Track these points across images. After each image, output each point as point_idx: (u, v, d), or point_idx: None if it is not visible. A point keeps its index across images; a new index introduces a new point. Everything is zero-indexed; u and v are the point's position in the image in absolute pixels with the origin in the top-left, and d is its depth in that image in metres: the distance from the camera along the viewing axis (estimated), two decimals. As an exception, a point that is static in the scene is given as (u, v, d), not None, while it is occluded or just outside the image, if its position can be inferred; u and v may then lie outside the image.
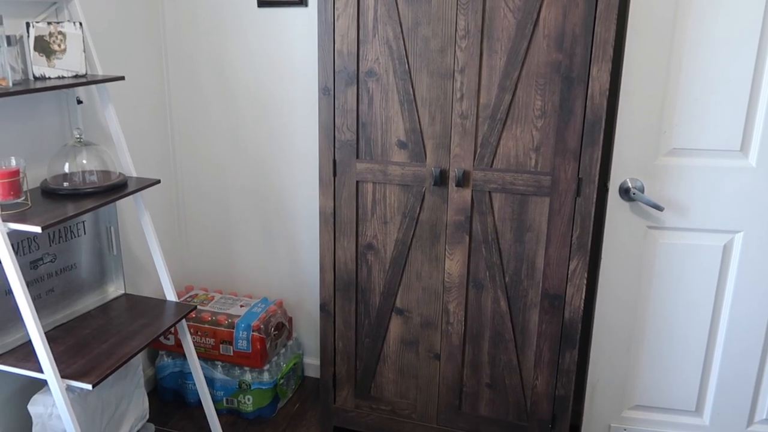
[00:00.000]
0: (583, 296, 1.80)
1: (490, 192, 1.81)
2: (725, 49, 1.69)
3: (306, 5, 2.23)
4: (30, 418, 1.78)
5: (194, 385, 2.36)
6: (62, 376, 1.61)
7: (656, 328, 1.93)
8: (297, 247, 2.51)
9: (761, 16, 1.65)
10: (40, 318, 1.78)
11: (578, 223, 1.75)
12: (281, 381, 2.40)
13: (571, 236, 1.76)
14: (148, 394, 2.49)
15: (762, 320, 1.85)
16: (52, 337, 1.80)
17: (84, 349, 1.75)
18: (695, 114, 1.75)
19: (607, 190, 1.86)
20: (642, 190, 1.82)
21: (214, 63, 2.40)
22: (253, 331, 2.26)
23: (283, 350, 2.45)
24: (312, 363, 2.64)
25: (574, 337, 1.84)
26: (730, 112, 1.73)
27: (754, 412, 1.94)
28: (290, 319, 2.52)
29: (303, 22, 2.25)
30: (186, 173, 2.57)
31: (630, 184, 1.83)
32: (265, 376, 2.33)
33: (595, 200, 1.72)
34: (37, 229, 1.53)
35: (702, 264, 1.85)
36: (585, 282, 1.79)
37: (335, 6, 1.80)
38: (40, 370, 1.60)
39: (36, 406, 1.75)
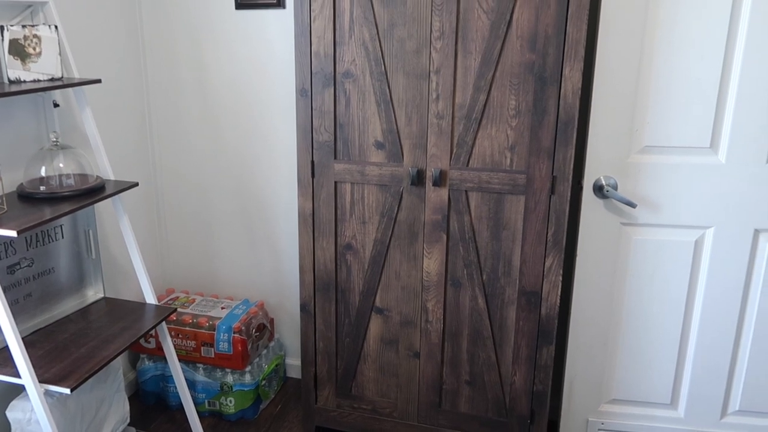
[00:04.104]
0: (559, 293, 1.82)
1: (466, 191, 1.83)
2: (694, 48, 1.72)
3: (284, 7, 2.24)
4: (8, 423, 1.77)
5: (176, 388, 2.36)
6: (40, 381, 1.60)
7: (632, 323, 1.96)
8: (278, 248, 2.52)
9: (728, 17, 1.69)
10: (17, 323, 1.78)
11: (553, 220, 1.78)
12: (263, 382, 2.40)
13: (547, 234, 1.79)
14: (130, 398, 2.48)
15: (733, 313, 1.89)
16: (30, 341, 1.79)
17: (62, 353, 1.74)
18: (666, 112, 1.78)
19: (581, 187, 1.90)
20: (615, 188, 1.86)
21: (193, 65, 2.40)
22: (234, 333, 2.26)
23: (264, 351, 2.46)
24: (294, 364, 2.65)
25: (551, 333, 1.87)
26: (699, 110, 1.76)
27: (727, 404, 1.98)
28: (272, 321, 2.53)
29: (281, 24, 2.26)
30: (166, 175, 2.57)
31: (603, 182, 1.86)
32: (247, 378, 2.33)
33: (569, 198, 1.75)
34: (13, 234, 1.52)
35: (675, 259, 1.88)
36: (561, 278, 1.81)
37: (311, 8, 1.81)
38: (18, 375, 1.59)
39: (14, 412, 1.74)
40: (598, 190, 1.86)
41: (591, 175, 1.87)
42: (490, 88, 1.74)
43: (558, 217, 1.77)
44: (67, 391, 1.59)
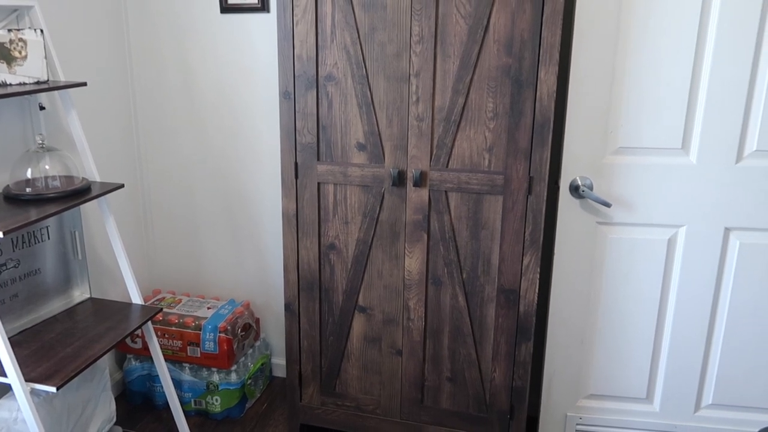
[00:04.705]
0: (537, 290, 1.87)
1: (446, 191, 1.87)
2: (666, 52, 1.78)
3: (267, 11, 2.27)
4: (-5, 422, 1.79)
5: (162, 387, 2.38)
6: (26, 380, 1.62)
7: (608, 320, 2.01)
8: (263, 248, 2.55)
9: (697, 22, 1.74)
10: (4, 323, 1.80)
11: (530, 220, 1.82)
12: (249, 381, 2.43)
13: (524, 233, 1.84)
14: (117, 397, 2.50)
15: (705, 310, 1.94)
16: (16, 341, 1.81)
17: (49, 352, 1.77)
18: (639, 114, 1.84)
19: (558, 188, 1.94)
20: (591, 188, 1.91)
21: (179, 68, 2.43)
22: (219, 332, 2.29)
23: (250, 351, 2.49)
24: (280, 363, 2.68)
25: (529, 330, 1.91)
26: (671, 113, 1.82)
27: (700, 398, 2.03)
28: (257, 320, 2.56)
29: (264, 28, 2.29)
30: (151, 177, 2.59)
31: (579, 182, 1.91)
32: (233, 377, 2.36)
33: (546, 198, 1.80)
34: (-1, 234, 1.55)
35: (648, 257, 1.93)
36: (538, 276, 1.86)
37: (294, 12, 1.85)
38: (4, 374, 1.61)
39: (1, 411, 1.76)
40: (574, 190, 1.91)
41: (567, 175, 1.92)
42: (469, 90, 1.79)
43: (535, 216, 1.82)
44: (53, 389, 1.61)
